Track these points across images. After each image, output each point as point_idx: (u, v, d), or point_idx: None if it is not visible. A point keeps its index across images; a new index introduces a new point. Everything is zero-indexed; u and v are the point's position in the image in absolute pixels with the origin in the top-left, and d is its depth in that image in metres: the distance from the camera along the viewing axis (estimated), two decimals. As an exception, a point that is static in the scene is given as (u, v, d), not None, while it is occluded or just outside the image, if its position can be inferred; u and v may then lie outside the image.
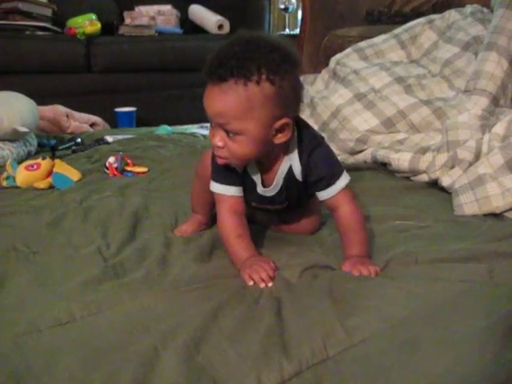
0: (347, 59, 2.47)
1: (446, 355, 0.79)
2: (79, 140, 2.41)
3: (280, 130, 1.02)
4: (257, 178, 1.14)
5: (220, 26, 3.64)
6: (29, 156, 2.17)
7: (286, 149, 1.09)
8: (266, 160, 1.11)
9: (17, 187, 1.72)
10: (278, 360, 0.74)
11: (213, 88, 0.99)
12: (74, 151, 2.27)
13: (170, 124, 2.95)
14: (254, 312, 0.88)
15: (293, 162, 1.10)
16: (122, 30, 3.35)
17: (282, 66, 0.98)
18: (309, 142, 1.10)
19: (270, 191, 1.15)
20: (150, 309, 0.90)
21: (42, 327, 0.85)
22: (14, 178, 1.74)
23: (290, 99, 1.01)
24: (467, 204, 1.47)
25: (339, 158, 2.00)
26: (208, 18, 3.72)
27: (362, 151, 2.03)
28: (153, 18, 3.61)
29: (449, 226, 1.33)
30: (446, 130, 1.74)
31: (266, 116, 0.99)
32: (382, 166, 1.92)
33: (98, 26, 3.13)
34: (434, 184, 1.68)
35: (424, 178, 1.74)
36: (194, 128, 2.96)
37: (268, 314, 0.86)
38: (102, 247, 1.17)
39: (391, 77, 2.20)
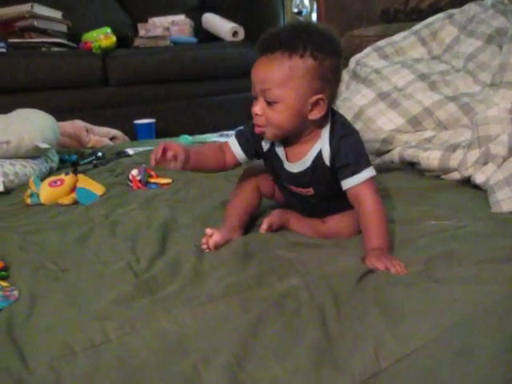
0: (367, 59, 2.42)
1: (502, 361, 0.74)
2: (100, 154, 2.39)
3: (315, 104, 1.11)
4: (282, 155, 1.22)
5: (234, 33, 3.62)
6: (51, 172, 2.16)
7: (318, 130, 1.17)
8: (297, 138, 1.18)
9: (41, 204, 1.70)
10: (328, 375, 0.70)
11: (262, 58, 1.11)
12: (95, 165, 2.24)
13: (189, 133, 2.92)
14: (296, 324, 0.84)
15: (323, 145, 1.16)
16: (137, 42, 3.33)
17: (325, 47, 1.09)
18: (341, 128, 1.16)
19: (295, 167, 1.20)
20: (186, 325, 0.86)
21: (76, 349, 0.81)
22: (37, 196, 1.71)
23: (329, 78, 1.11)
24: (504, 201, 1.41)
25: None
26: (222, 26, 3.69)
27: (388, 151, 1.99)
28: (167, 29, 3.59)
29: (488, 224, 1.28)
30: (476, 126, 1.68)
31: (305, 87, 1.09)
32: (410, 166, 1.87)
33: (114, 39, 3.12)
34: (467, 182, 1.63)
35: (455, 176, 1.68)
36: (214, 137, 2.94)
37: (312, 326, 0.82)
38: (132, 262, 1.13)
39: (414, 74, 2.15)
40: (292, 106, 1.10)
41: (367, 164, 1.15)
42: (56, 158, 2.27)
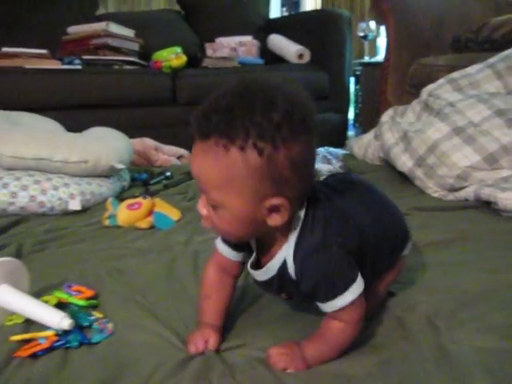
0: (441, 91, 2.40)
1: None
2: (169, 174, 2.43)
3: (273, 210, 0.81)
4: (253, 256, 0.96)
5: (300, 56, 3.64)
6: (122, 191, 2.21)
7: (286, 232, 0.87)
8: (264, 241, 0.92)
9: (118, 226, 1.73)
10: None
11: (196, 144, 0.81)
12: (165, 186, 2.28)
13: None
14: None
15: (288, 255, 0.88)
16: (206, 63, 3.39)
17: (279, 132, 0.76)
18: (309, 236, 0.86)
19: (260, 275, 0.95)
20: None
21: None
22: (115, 217, 1.75)
23: (286, 176, 0.78)
24: None
25: (437, 194, 2.00)
26: (288, 48, 3.72)
27: (462, 188, 1.97)
28: (234, 49, 3.64)
29: None
30: (559, 170, 1.65)
31: (250, 191, 0.79)
32: (485, 204, 1.84)
33: (184, 59, 3.18)
34: (548, 226, 1.59)
35: (536, 219, 1.65)
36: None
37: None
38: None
39: (490, 110, 2.12)
40: (237, 213, 0.81)
41: (345, 286, 0.86)
42: (128, 177, 2.32)
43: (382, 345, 0.94)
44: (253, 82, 0.81)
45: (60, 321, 1.00)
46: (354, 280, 0.87)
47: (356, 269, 0.88)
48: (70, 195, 1.94)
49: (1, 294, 1.08)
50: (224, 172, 0.78)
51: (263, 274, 0.94)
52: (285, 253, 0.88)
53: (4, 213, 1.91)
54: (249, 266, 0.97)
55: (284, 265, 0.89)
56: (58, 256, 1.50)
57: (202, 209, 0.86)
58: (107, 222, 1.76)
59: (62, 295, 1.17)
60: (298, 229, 0.86)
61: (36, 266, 1.37)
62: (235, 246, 0.97)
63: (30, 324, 1.07)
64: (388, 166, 2.39)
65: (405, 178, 2.21)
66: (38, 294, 1.18)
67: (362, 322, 0.89)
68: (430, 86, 2.49)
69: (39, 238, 1.65)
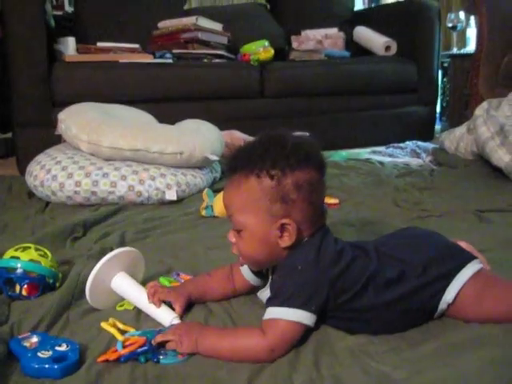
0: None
1: None
2: (258, 166, 2.45)
3: (283, 230, 0.96)
4: (267, 285, 1.05)
5: (387, 48, 3.58)
6: (214, 182, 2.25)
7: None
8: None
9: (215, 217, 1.77)
10: None
11: (227, 180, 1.03)
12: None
13: (340, 148, 2.95)
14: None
15: None
16: (293, 56, 3.39)
17: (286, 161, 0.95)
18: (294, 255, 0.98)
19: (262, 295, 1.07)
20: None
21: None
22: (212, 208, 1.79)
23: (293, 198, 0.95)
24: None
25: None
26: (374, 40, 3.66)
27: None
28: (320, 42, 3.62)
29: None
30: None
31: (264, 210, 0.96)
32: None
33: (272, 52, 3.19)
34: None
35: None
36: (366, 153, 2.93)
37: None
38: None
39: None
40: (255, 232, 0.97)
41: (285, 301, 0.93)
42: (219, 168, 2.37)
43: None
44: (275, 133, 1.00)
45: (171, 321, 1.05)
46: (298, 304, 0.92)
47: (314, 301, 0.93)
48: (167, 185, 2.00)
49: (118, 282, 1.12)
50: (244, 195, 0.97)
51: (265, 295, 1.04)
52: None
53: (104, 201, 1.99)
54: (258, 294, 1.08)
55: None
56: (161, 244, 1.55)
57: (232, 237, 1.02)
58: (204, 213, 1.80)
59: (165, 282, 1.21)
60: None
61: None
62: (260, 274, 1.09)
63: (139, 312, 1.11)
64: (481, 160, 2.33)
65: (499, 173, 2.15)
66: (145, 280, 1.23)
67: (277, 354, 0.91)
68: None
69: (140, 227, 1.71)
